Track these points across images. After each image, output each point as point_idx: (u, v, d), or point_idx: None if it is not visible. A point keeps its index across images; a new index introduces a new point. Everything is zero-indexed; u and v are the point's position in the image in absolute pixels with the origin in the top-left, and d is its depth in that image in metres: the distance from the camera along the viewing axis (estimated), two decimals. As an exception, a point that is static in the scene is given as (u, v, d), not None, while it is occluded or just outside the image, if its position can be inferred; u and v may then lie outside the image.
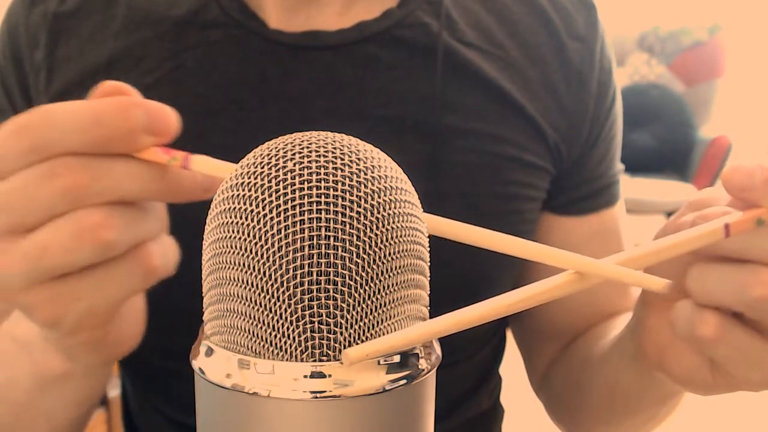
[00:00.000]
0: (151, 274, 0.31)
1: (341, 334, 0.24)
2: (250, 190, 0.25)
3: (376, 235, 0.24)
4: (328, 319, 0.24)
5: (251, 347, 0.24)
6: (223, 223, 0.25)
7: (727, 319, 0.35)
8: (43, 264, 0.30)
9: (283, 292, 0.23)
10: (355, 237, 0.24)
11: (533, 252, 0.31)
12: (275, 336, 0.24)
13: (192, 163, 0.31)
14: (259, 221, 0.24)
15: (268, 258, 0.24)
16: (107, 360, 0.38)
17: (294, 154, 0.25)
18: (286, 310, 0.24)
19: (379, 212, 0.24)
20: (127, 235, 0.30)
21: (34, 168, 0.30)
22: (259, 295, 0.24)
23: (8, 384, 0.44)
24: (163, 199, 0.32)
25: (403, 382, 0.24)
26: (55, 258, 0.29)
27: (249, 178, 0.25)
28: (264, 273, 0.24)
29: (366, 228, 0.24)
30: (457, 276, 0.54)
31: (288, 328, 0.24)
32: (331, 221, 0.24)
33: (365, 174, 0.25)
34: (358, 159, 0.25)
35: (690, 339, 0.36)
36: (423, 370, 0.25)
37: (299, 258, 0.23)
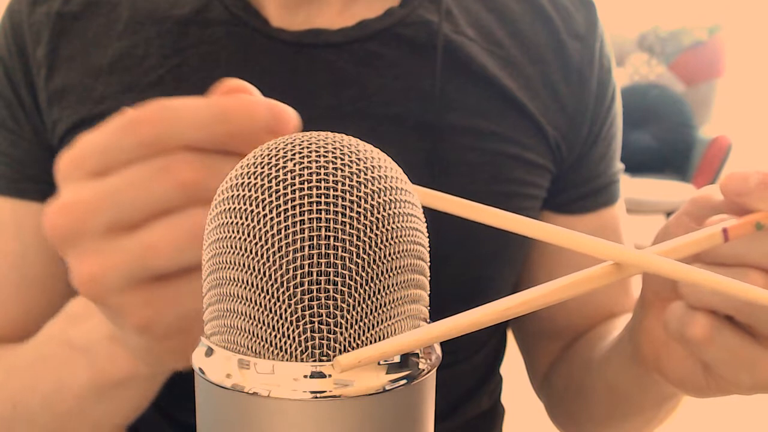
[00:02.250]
0: None
1: (341, 334, 0.24)
2: (249, 190, 0.24)
3: (376, 235, 0.24)
4: (328, 319, 0.24)
5: (251, 347, 0.24)
6: (222, 224, 0.25)
7: (717, 321, 0.35)
8: (150, 263, 0.28)
9: (283, 292, 0.23)
10: (355, 237, 0.24)
11: (562, 237, 0.30)
12: (275, 336, 0.24)
13: None
14: (258, 221, 0.24)
15: (268, 258, 0.24)
16: (187, 366, 0.36)
17: (294, 154, 0.25)
18: (286, 311, 0.24)
19: (379, 212, 0.24)
20: None
21: (147, 162, 0.28)
22: (259, 295, 0.24)
23: (58, 391, 0.42)
24: None
25: (404, 382, 0.24)
26: (162, 258, 0.28)
27: (249, 178, 0.25)
28: (264, 273, 0.24)
29: (366, 228, 0.24)
30: (457, 276, 0.54)
31: (288, 328, 0.24)
32: (331, 221, 0.24)
33: (365, 174, 0.25)
34: (359, 159, 0.25)
35: (681, 340, 0.36)
36: (423, 370, 0.25)
37: (299, 258, 0.23)
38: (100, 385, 0.40)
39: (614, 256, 0.28)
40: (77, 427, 0.43)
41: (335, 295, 0.24)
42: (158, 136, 0.29)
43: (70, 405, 0.42)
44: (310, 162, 0.24)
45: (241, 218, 0.24)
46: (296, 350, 0.24)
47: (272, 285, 0.24)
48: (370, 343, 0.24)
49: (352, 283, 0.24)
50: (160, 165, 0.28)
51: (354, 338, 0.24)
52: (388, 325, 0.25)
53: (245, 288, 0.24)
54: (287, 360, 0.24)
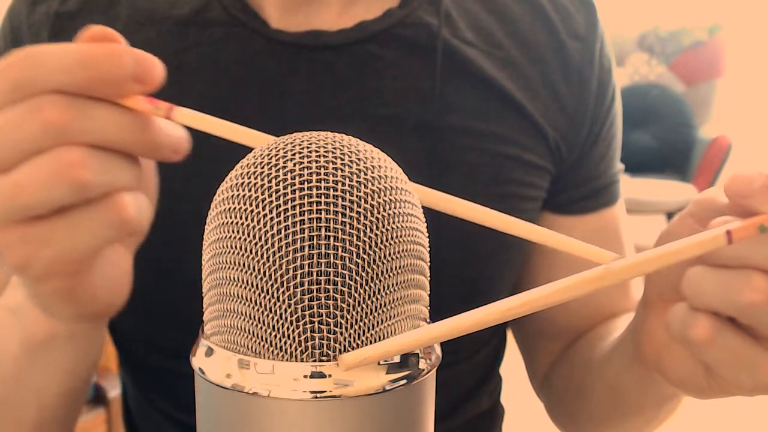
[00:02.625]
0: (123, 224, 0.31)
1: (341, 334, 0.24)
2: (250, 190, 0.24)
3: (376, 235, 0.24)
4: (328, 319, 0.24)
5: (251, 347, 0.24)
6: (223, 223, 0.25)
7: (719, 322, 0.35)
8: (18, 202, 0.29)
9: (283, 292, 0.23)
10: (355, 237, 0.24)
11: (552, 240, 0.31)
12: (275, 336, 0.24)
13: (176, 114, 0.30)
14: (259, 221, 0.24)
15: (268, 258, 0.24)
16: (84, 315, 0.36)
17: (294, 155, 0.25)
18: (286, 311, 0.24)
19: (379, 212, 0.24)
20: (103, 179, 0.30)
21: (18, 104, 0.29)
22: (259, 295, 0.24)
23: (1, 355, 0.43)
24: (141, 153, 0.32)
25: (403, 382, 0.24)
26: (30, 196, 0.29)
27: (249, 178, 0.25)
28: (264, 273, 0.24)
29: (366, 228, 0.24)
30: (457, 276, 0.54)
31: (288, 328, 0.24)
32: (331, 221, 0.24)
33: (365, 174, 0.25)
34: (358, 159, 0.25)
35: (683, 341, 0.36)
36: (423, 370, 0.25)
37: (299, 258, 0.23)
38: (29, 345, 0.41)
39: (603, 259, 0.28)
40: (19, 392, 0.44)
41: (335, 295, 0.24)
42: (26, 79, 0.29)
43: (10, 370, 0.43)
44: (310, 162, 0.24)
45: (241, 218, 0.24)
46: (296, 350, 0.24)
47: (272, 285, 0.24)
48: (370, 343, 0.24)
49: (352, 283, 0.24)
50: (28, 106, 0.29)
51: (354, 338, 0.24)
52: (389, 325, 0.25)
53: (245, 288, 0.24)
54: (287, 360, 0.24)
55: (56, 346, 0.42)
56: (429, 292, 0.28)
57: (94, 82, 0.29)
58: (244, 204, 0.24)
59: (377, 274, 0.24)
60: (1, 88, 0.30)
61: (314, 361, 0.24)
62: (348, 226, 0.24)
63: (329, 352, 0.24)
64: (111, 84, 0.30)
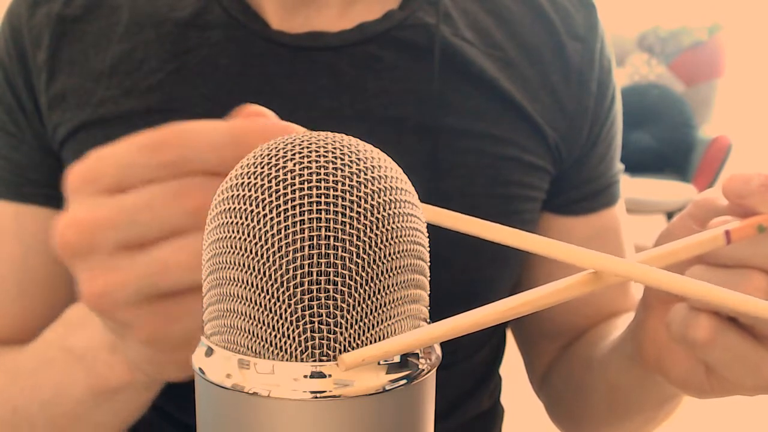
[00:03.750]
0: None
1: (341, 334, 0.24)
2: (249, 190, 0.24)
3: (376, 235, 0.24)
4: (328, 319, 0.24)
5: (251, 347, 0.24)
6: (222, 223, 0.25)
7: (720, 322, 0.35)
8: (161, 281, 0.29)
9: (283, 292, 0.23)
10: (355, 237, 0.24)
11: (543, 247, 0.31)
12: (275, 336, 0.24)
13: None
14: (258, 221, 0.24)
15: (267, 258, 0.24)
16: (188, 376, 0.36)
17: (294, 154, 0.25)
18: (286, 310, 0.24)
19: (379, 212, 0.24)
20: None
21: (165, 185, 0.29)
22: (259, 295, 0.24)
23: (56, 395, 0.42)
24: None
25: (403, 382, 0.24)
26: (171, 277, 0.29)
27: (249, 178, 0.25)
28: (264, 273, 0.24)
29: (366, 228, 0.24)
30: (457, 276, 0.54)
31: (288, 328, 0.24)
32: (331, 221, 0.24)
33: (365, 174, 0.25)
34: (359, 159, 0.25)
35: (684, 341, 0.36)
36: (423, 370, 0.25)
37: (299, 258, 0.23)
38: (98, 391, 0.40)
39: (596, 265, 0.28)
40: (79, 428, 0.44)
41: (335, 295, 0.24)
42: (177, 159, 0.29)
43: (69, 409, 0.42)
44: (310, 162, 0.24)
45: (241, 218, 0.24)
46: (296, 350, 0.24)
47: (272, 285, 0.24)
48: (371, 343, 0.24)
49: (352, 283, 0.24)
50: (176, 189, 0.29)
51: (354, 338, 0.24)
52: (389, 325, 0.25)
53: (245, 288, 0.24)
54: (287, 360, 0.24)
55: (132, 392, 0.40)
56: (429, 292, 0.28)
57: None
58: (244, 204, 0.24)
59: (377, 274, 0.24)
60: (147, 163, 0.29)
61: (314, 361, 0.24)
62: (348, 226, 0.24)
63: (329, 352, 0.24)
64: None
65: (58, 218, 0.31)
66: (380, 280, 0.24)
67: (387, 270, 0.24)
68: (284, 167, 0.24)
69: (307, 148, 0.25)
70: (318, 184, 0.24)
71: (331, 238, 0.24)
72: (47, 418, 0.44)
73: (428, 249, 0.27)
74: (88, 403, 0.41)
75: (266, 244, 0.24)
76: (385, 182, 0.25)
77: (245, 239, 0.24)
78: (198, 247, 0.28)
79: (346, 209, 0.24)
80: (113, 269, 0.30)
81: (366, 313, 0.24)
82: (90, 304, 0.31)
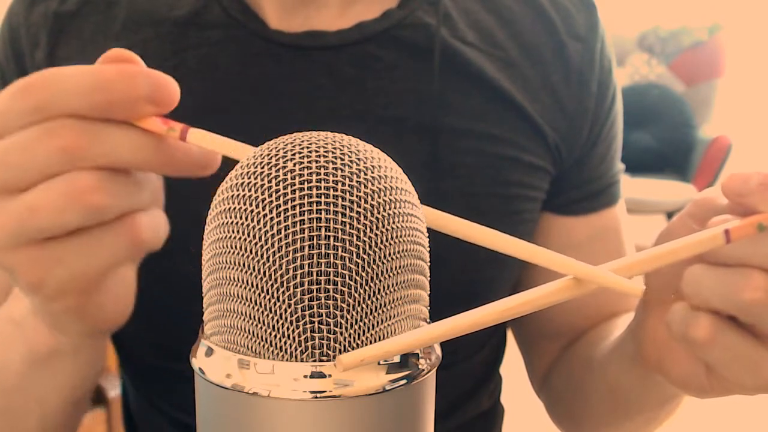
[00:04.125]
0: (138, 245, 0.32)
1: (341, 334, 0.24)
2: (249, 190, 0.24)
3: (376, 235, 0.24)
4: (328, 319, 0.24)
5: (251, 347, 0.24)
6: (223, 223, 0.25)
7: (720, 322, 0.35)
8: (31, 224, 0.30)
9: (283, 292, 0.23)
10: (355, 237, 0.24)
11: (531, 253, 0.31)
12: (275, 336, 0.24)
13: (190, 135, 0.31)
14: (259, 221, 0.24)
15: (268, 258, 0.24)
16: (91, 331, 0.37)
17: (294, 154, 0.25)
18: (286, 311, 0.24)
19: (379, 212, 0.24)
20: (118, 202, 0.30)
21: (34, 128, 0.30)
22: (259, 295, 0.24)
23: (3, 367, 0.43)
24: (158, 171, 0.33)
25: (403, 382, 0.24)
26: (43, 219, 0.30)
27: (249, 178, 0.25)
28: (264, 273, 0.24)
29: (366, 228, 0.24)
30: (457, 276, 0.54)
31: (288, 328, 0.24)
32: (331, 221, 0.24)
33: (365, 174, 0.25)
34: (358, 159, 0.25)
35: (684, 341, 0.36)
36: (423, 370, 0.25)
37: (299, 258, 0.23)
38: (32, 358, 0.41)
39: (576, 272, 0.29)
40: (23, 402, 0.44)
41: (335, 295, 0.24)
42: (44, 102, 0.30)
43: (13, 381, 0.43)
44: (310, 162, 0.24)
45: (241, 218, 0.24)
46: (296, 350, 0.24)
47: (272, 285, 0.24)
48: (370, 342, 0.24)
49: (352, 283, 0.24)
50: (42, 130, 0.30)
51: (354, 338, 0.24)
52: (388, 324, 0.25)
53: (245, 288, 0.24)
54: (287, 360, 0.24)
55: (60, 359, 0.41)
56: (429, 292, 0.28)
57: (109, 105, 0.30)
58: (244, 204, 0.24)
59: (377, 274, 0.24)
60: (19, 109, 0.30)
61: (314, 361, 0.24)
62: (348, 226, 0.24)
63: (329, 352, 0.24)
64: (126, 106, 0.30)
65: None
66: (380, 280, 0.24)
67: (387, 270, 0.24)
68: (284, 167, 0.24)
69: (307, 148, 0.25)
70: (318, 184, 0.24)
71: (331, 238, 0.24)
72: None
73: (428, 249, 0.27)
74: (26, 372, 0.42)
75: (266, 244, 0.24)
76: (385, 182, 0.25)
77: (245, 239, 0.24)
78: (68, 188, 0.29)
79: (346, 209, 0.24)
80: None
81: (366, 313, 0.24)
82: None
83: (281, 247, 0.24)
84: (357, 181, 0.24)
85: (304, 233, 0.24)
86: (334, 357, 0.24)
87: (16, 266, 0.31)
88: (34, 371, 0.42)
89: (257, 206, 0.24)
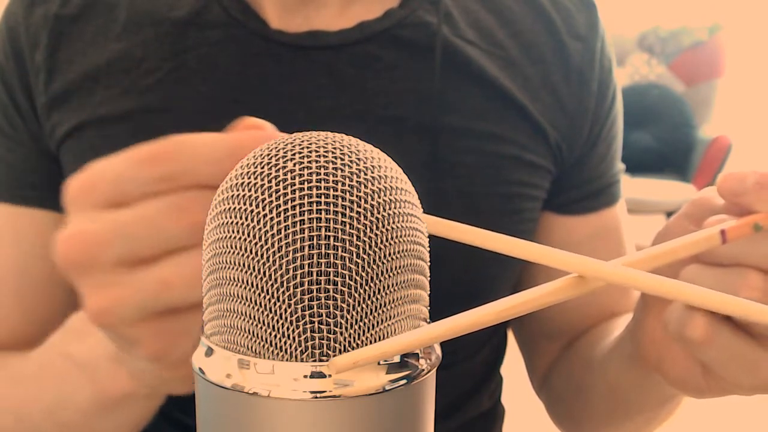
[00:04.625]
0: None
1: (341, 334, 0.24)
2: (249, 190, 0.24)
3: (376, 235, 0.24)
4: (328, 319, 0.24)
5: (251, 347, 0.24)
6: (222, 223, 0.25)
7: (717, 321, 0.35)
8: (162, 299, 0.29)
9: (283, 292, 0.23)
10: (355, 237, 0.24)
11: (534, 253, 0.31)
12: (275, 336, 0.24)
13: None
14: (258, 221, 0.24)
15: (267, 258, 0.24)
16: (183, 383, 0.37)
17: (294, 154, 0.25)
18: (285, 310, 0.24)
19: (379, 212, 0.24)
20: None
21: (163, 200, 0.29)
22: (259, 295, 0.24)
23: (60, 403, 0.42)
24: None
25: (403, 382, 0.24)
26: (175, 294, 0.29)
27: (249, 178, 0.25)
28: (264, 273, 0.24)
29: (366, 228, 0.24)
30: (457, 276, 0.54)
31: (288, 328, 0.24)
32: (331, 221, 0.24)
33: (365, 174, 0.25)
34: (359, 159, 0.25)
35: (681, 340, 0.36)
36: (423, 370, 0.25)
37: (299, 258, 0.23)
38: (102, 400, 0.40)
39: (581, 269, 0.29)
40: None
41: (335, 295, 0.24)
42: (174, 172, 0.29)
43: (73, 418, 0.42)
44: (310, 162, 0.24)
45: (241, 218, 0.24)
46: (296, 350, 0.24)
47: (272, 285, 0.24)
48: (370, 342, 0.24)
49: (352, 283, 0.24)
50: (174, 203, 0.29)
51: (354, 338, 0.24)
52: (388, 325, 0.25)
53: (245, 288, 0.24)
54: (287, 360, 0.24)
55: (134, 403, 0.41)
56: (429, 292, 0.28)
57: None
58: (244, 204, 0.24)
59: (377, 274, 0.24)
60: (146, 177, 0.29)
61: (314, 361, 0.24)
62: (348, 226, 0.24)
63: (329, 352, 0.24)
64: None
65: (60, 232, 0.31)
66: (380, 280, 0.24)
67: (387, 270, 0.24)
68: (284, 167, 0.24)
69: (307, 148, 0.25)
70: (318, 184, 0.24)
71: (331, 238, 0.24)
72: (50, 426, 0.44)
73: (428, 249, 0.27)
74: (92, 412, 0.41)
75: (266, 244, 0.24)
76: (385, 182, 0.25)
77: (245, 239, 0.24)
78: (198, 263, 0.28)
79: (346, 209, 0.24)
80: (115, 285, 0.30)
81: (366, 313, 0.24)
82: (93, 319, 0.31)
83: (281, 247, 0.23)
84: (357, 181, 0.24)
85: (304, 233, 0.24)
86: (334, 357, 0.24)
87: (139, 339, 0.31)
88: (104, 412, 0.41)
89: (257, 206, 0.24)
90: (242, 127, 0.32)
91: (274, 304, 0.24)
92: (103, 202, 0.30)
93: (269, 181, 0.24)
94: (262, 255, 0.24)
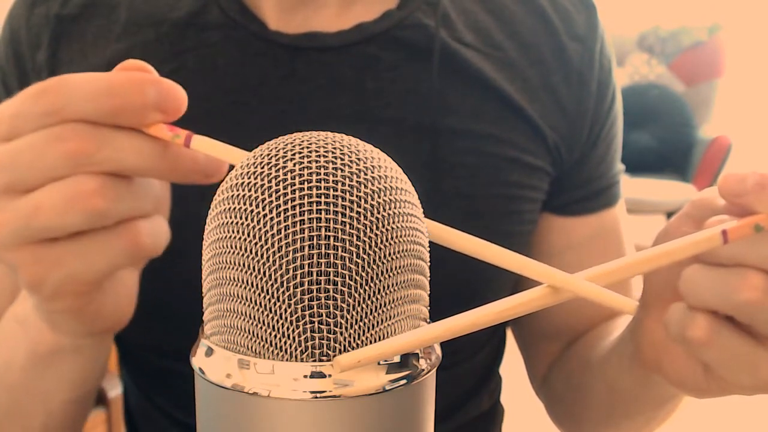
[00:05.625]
0: (137, 251, 0.32)
1: (341, 334, 0.24)
2: (250, 190, 0.25)
3: (376, 235, 0.24)
4: (328, 319, 0.24)
5: (251, 347, 0.24)
6: (223, 223, 0.25)
7: (717, 322, 0.35)
8: (34, 223, 0.31)
9: (283, 292, 0.23)
10: (355, 237, 0.24)
11: (514, 263, 0.31)
12: (275, 336, 0.24)
13: (194, 142, 0.32)
14: (259, 221, 0.24)
15: (268, 258, 0.24)
16: (90, 332, 0.38)
17: (294, 154, 0.25)
18: (286, 310, 0.24)
19: (379, 212, 0.24)
20: (119, 207, 0.31)
21: (44, 131, 0.31)
22: (259, 295, 0.24)
23: (5, 366, 0.44)
24: (163, 178, 0.33)
25: (403, 382, 0.24)
26: (46, 219, 0.30)
27: (249, 178, 0.25)
28: (264, 273, 0.24)
29: (366, 228, 0.24)
30: (457, 276, 0.54)
31: (288, 328, 0.24)
32: (331, 221, 0.24)
33: (365, 174, 0.25)
34: (358, 159, 0.25)
35: (681, 341, 0.36)
36: (423, 370, 0.25)
37: (299, 258, 0.23)
38: (35, 356, 0.42)
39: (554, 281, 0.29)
40: (28, 400, 0.45)
41: (335, 295, 0.24)
42: (56, 106, 0.31)
43: (16, 378, 0.44)
44: (310, 162, 0.24)
45: (241, 218, 0.24)
46: (296, 350, 0.24)
47: (272, 285, 0.24)
48: (370, 342, 0.24)
49: (352, 283, 0.24)
50: (53, 133, 0.31)
51: (354, 338, 0.24)
52: (388, 325, 0.25)
53: (245, 288, 0.24)
54: (287, 360, 0.24)
55: (62, 358, 0.42)
56: (429, 292, 0.28)
57: (117, 111, 0.31)
58: (244, 204, 0.24)
59: (377, 274, 0.24)
60: (32, 112, 0.31)
61: (314, 361, 0.24)
62: (348, 226, 0.24)
63: (329, 352, 0.24)
64: (133, 113, 0.31)
65: None
66: (380, 280, 0.24)
67: (387, 270, 0.24)
68: (284, 167, 0.24)
69: (307, 148, 0.25)
70: (318, 184, 0.24)
71: (331, 238, 0.24)
72: (2, 390, 0.45)
73: (428, 249, 0.27)
74: (30, 369, 0.43)
75: (266, 244, 0.24)
76: (385, 182, 0.25)
77: (245, 239, 0.24)
78: (71, 191, 0.30)
79: (346, 209, 0.24)
80: None
81: (366, 313, 0.24)
82: None
83: (281, 247, 0.24)
84: (357, 181, 0.24)
85: (304, 233, 0.24)
86: (334, 357, 0.24)
87: (19, 264, 0.32)
88: (38, 369, 0.42)
89: (257, 206, 0.24)
90: (124, 68, 0.33)
91: (274, 304, 0.24)
92: (1, 137, 0.32)
93: (269, 181, 0.24)
94: (262, 255, 0.24)
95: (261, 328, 0.24)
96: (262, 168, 0.25)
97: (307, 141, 0.25)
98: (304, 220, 0.24)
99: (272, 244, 0.24)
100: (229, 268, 0.24)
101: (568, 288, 0.29)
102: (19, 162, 0.31)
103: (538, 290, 0.29)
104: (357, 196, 0.24)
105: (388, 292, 0.25)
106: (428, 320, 0.28)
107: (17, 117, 0.32)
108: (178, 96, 0.32)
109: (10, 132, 0.32)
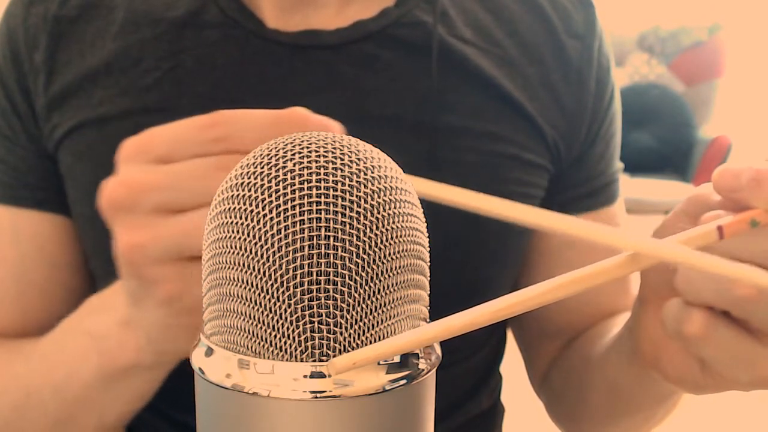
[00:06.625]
0: None
1: (341, 334, 0.24)
2: (249, 190, 0.25)
3: (376, 235, 0.24)
4: (327, 319, 0.24)
5: (251, 347, 0.24)
6: (222, 223, 0.25)
7: (714, 317, 0.35)
8: (186, 242, 0.32)
9: (283, 292, 0.23)
10: (354, 237, 0.24)
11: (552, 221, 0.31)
12: (275, 336, 0.24)
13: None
14: (258, 221, 0.24)
15: (267, 258, 0.24)
16: (187, 353, 0.39)
17: (294, 154, 0.25)
18: (285, 310, 0.24)
19: (379, 212, 0.24)
20: None
21: (208, 158, 0.33)
22: (259, 295, 0.24)
23: (67, 377, 0.44)
24: None
25: (403, 382, 0.24)
26: (196, 242, 0.31)
27: (248, 178, 0.25)
28: (264, 273, 0.24)
29: (366, 228, 0.24)
30: (457, 276, 0.54)
31: (288, 328, 0.24)
32: (331, 221, 0.24)
33: (365, 174, 0.25)
34: (358, 159, 0.25)
35: (678, 337, 0.36)
36: (423, 370, 0.25)
37: (299, 258, 0.23)
38: (107, 372, 0.42)
39: (629, 245, 0.29)
40: (84, 414, 0.45)
41: (335, 295, 0.24)
42: (225, 135, 0.33)
43: (78, 392, 0.44)
44: (309, 162, 0.24)
45: (241, 218, 0.24)
46: (296, 350, 0.24)
47: (272, 285, 0.24)
48: (370, 342, 0.24)
49: (351, 283, 0.24)
50: (217, 162, 0.32)
51: (354, 338, 0.24)
52: (388, 325, 0.25)
53: (245, 288, 0.24)
54: (287, 360, 0.24)
55: (136, 374, 0.43)
56: (429, 292, 0.28)
57: None
58: (244, 204, 0.24)
59: (377, 274, 0.24)
60: (201, 139, 0.33)
61: (314, 361, 0.24)
62: (348, 226, 0.24)
63: (329, 352, 0.24)
64: None
65: (107, 179, 0.35)
66: (380, 280, 0.24)
67: (387, 270, 0.24)
68: (284, 167, 0.24)
69: (307, 148, 0.25)
70: (318, 184, 0.24)
71: (331, 238, 0.24)
72: (57, 402, 0.45)
73: (428, 249, 0.27)
74: (96, 385, 0.43)
75: (266, 244, 0.24)
76: (385, 182, 0.25)
77: (245, 239, 0.24)
78: None
79: (345, 209, 0.24)
80: (149, 226, 0.33)
81: (366, 313, 0.24)
82: (124, 254, 0.34)
83: (281, 247, 0.24)
84: (357, 181, 0.24)
85: (303, 233, 0.24)
86: (334, 357, 0.24)
87: (160, 279, 0.34)
88: (106, 383, 0.43)
89: (257, 206, 0.24)
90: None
91: (274, 304, 0.24)
92: (154, 159, 0.34)
93: (269, 181, 0.24)
94: (261, 255, 0.24)
95: (261, 328, 0.24)
96: (262, 168, 0.25)
97: (307, 141, 0.25)
98: (303, 220, 0.24)
99: (272, 244, 0.24)
100: (228, 268, 0.24)
101: (650, 254, 0.28)
102: (179, 184, 0.32)
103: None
104: (357, 196, 0.24)
105: (388, 292, 0.25)
106: (428, 320, 0.28)
107: (178, 142, 0.33)
108: (334, 129, 0.34)
109: (169, 155, 0.33)
